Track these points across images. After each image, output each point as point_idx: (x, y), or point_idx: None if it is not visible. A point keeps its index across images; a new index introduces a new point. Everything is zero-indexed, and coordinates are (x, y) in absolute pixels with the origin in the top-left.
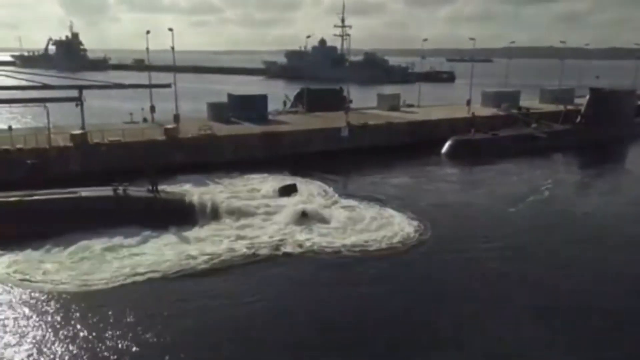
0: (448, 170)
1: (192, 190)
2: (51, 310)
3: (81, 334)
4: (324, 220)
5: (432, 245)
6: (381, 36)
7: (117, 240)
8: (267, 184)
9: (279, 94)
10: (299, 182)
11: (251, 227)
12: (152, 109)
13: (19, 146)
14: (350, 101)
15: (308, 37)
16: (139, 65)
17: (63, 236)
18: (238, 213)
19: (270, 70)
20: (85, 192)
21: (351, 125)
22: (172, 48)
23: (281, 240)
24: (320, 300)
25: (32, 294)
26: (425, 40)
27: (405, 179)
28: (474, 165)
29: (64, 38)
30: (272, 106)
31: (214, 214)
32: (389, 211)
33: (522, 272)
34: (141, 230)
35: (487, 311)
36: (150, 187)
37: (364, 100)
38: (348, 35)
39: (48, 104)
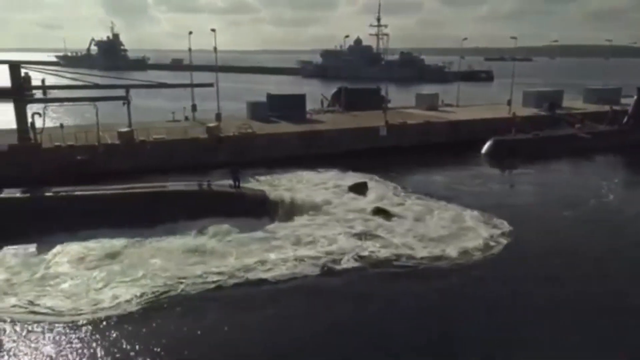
0: (492, 171)
1: (271, 187)
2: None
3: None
4: (401, 217)
5: (511, 252)
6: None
7: (203, 235)
8: (333, 181)
9: (315, 93)
10: (355, 177)
11: (328, 225)
12: (194, 107)
13: (69, 143)
14: (388, 100)
15: (346, 36)
16: (176, 64)
17: (156, 227)
18: (315, 210)
19: (305, 70)
20: (172, 186)
21: (389, 124)
22: (215, 48)
23: (359, 238)
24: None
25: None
26: (465, 39)
27: (453, 179)
28: (516, 166)
29: (105, 38)
30: (309, 105)
31: (293, 210)
32: (458, 210)
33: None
34: (224, 223)
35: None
36: (232, 183)
37: (400, 100)
38: (387, 34)
39: (96, 103)
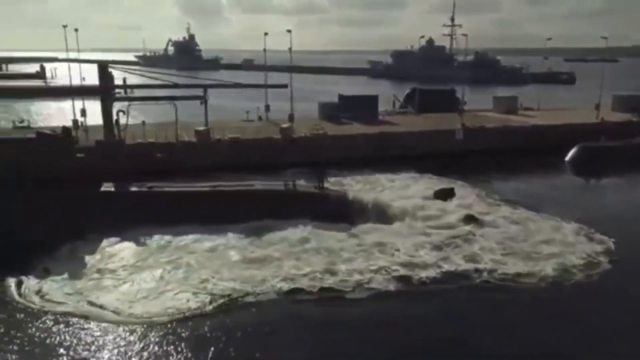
0: (578, 180)
1: (354, 188)
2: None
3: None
4: (493, 226)
5: (616, 273)
6: (492, 35)
7: (289, 232)
8: (413, 185)
9: (385, 94)
10: (435, 181)
11: (417, 229)
12: (267, 108)
13: (150, 140)
14: (464, 103)
15: (422, 37)
16: (247, 64)
17: (242, 224)
18: (401, 214)
19: (375, 70)
20: (259, 185)
21: (466, 127)
22: (290, 49)
23: (445, 248)
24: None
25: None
26: (549, 39)
27: (538, 186)
28: (605, 176)
29: (181, 39)
30: (380, 106)
31: (377, 214)
32: (553, 222)
33: None
34: (308, 224)
35: None
36: (317, 184)
37: (474, 102)
38: (465, 35)
39: (175, 102)
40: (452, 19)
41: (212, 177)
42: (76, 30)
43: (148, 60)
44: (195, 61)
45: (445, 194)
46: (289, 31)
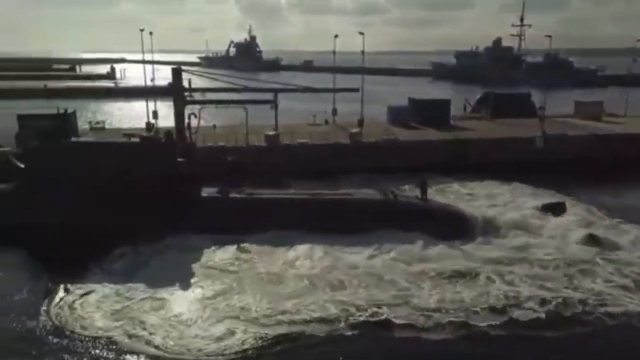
0: None
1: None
2: None
3: None
4: (619, 249)
5: None
6: (563, 35)
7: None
8: (506, 195)
9: (451, 96)
10: (528, 192)
11: (529, 247)
12: (334, 111)
13: (220, 143)
14: (543, 108)
15: (499, 38)
16: (307, 66)
17: (341, 235)
18: (511, 229)
19: (438, 72)
20: (356, 194)
21: (547, 135)
22: (362, 52)
23: (572, 267)
24: None
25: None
26: None
27: None
28: None
29: (242, 41)
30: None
31: (487, 228)
32: None
33: None
34: (412, 239)
35: None
36: (419, 195)
37: (548, 106)
38: (550, 36)
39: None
40: (522, 19)
41: (285, 184)
42: (151, 33)
43: (210, 62)
44: (255, 62)
45: (554, 208)
46: (362, 33)
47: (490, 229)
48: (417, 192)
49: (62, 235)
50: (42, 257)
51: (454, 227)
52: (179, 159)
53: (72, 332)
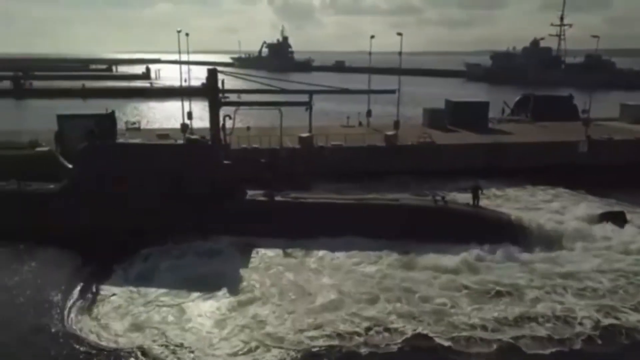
0: None
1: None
2: None
3: None
4: None
5: None
6: (605, 34)
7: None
8: (557, 202)
9: (485, 98)
10: (577, 199)
11: (585, 263)
12: (369, 113)
13: (254, 145)
14: (584, 111)
15: (540, 38)
16: (339, 66)
17: (391, 242)
18: (575, 239)
19: (472, 73)
20: (404, 199)
21: (591, 139)
22: (400, 53)
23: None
24: None
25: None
26: None
27: None
28: None
29: (275, 41)
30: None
31: (543, 238)
32: None
33: None
34: (465, 249)
35: None
36: (471, 202)
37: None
38: (597, 36)
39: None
40: (562, 18)
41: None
42: (187, 34)
43: (243, 62)
44: (287, 63)
45: (614, 218)
46: (400, 34)
47: (550, 238)
48: (469, 199)
49: (109, 236)
50: (88, 259)
51: (508, 236)
52: (225, 162)
53: (88, 337)
